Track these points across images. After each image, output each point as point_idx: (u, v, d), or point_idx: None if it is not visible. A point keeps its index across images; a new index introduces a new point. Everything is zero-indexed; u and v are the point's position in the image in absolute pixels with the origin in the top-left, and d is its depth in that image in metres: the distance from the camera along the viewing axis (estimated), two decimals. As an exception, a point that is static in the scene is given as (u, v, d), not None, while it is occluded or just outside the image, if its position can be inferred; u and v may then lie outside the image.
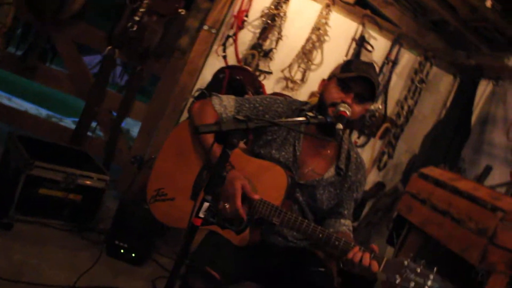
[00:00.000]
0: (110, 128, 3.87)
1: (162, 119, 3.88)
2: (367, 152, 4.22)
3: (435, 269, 1.74)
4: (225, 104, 2.19)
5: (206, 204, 1.64)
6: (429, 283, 1.70)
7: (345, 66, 2.12)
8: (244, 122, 1.64)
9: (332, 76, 2.14)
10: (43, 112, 6.34)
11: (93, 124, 3.85)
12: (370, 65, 2.16)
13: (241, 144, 2.30)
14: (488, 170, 3.57)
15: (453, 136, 3.81)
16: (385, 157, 4.24)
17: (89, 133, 3.85)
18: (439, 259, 3.55)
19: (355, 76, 2.04)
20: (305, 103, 2.27)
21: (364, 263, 1.80)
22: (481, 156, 3.78)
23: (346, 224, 2.20)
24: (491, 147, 3.74)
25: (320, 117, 1.94)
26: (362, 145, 4.21)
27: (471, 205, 2.97)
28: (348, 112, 2.01)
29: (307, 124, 1.89)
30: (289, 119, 1.86)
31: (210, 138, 1.62)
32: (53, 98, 6.87)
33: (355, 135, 4.17)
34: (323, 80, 2.20)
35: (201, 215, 1.64)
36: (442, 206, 3.16)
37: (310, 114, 1.91)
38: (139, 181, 3.54)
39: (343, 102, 2.04)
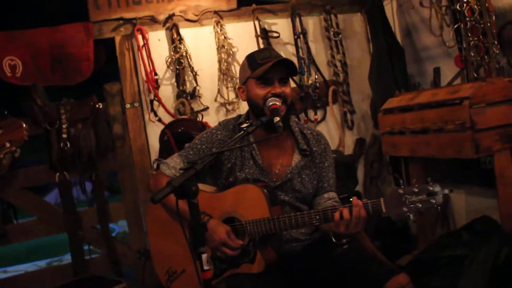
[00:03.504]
0: (103, 241, 3.87)
1: (141, 206, 3.91)
2: (331, 121, 4.28)
3: (428, 179, 1.82)
4: (173, 165, 2.29)
5: (204, 256, 1.67)
6: (431, 193, 1.78)
7: (252, 64, 2.20)
8: (191, 168, 1.68)
9: (246, 80, 2.21)
10: (42, 264, 6.29)
11: (86, 248, 3.84)
12: (268, 48, 2.25)
13: (211, 188, 2.35)
14: (437, 72, 3.66)
15: (391, 61, 3.88)
16: (349, 115, 4.30)
17: (87, 257, 3.83)
18: (449, 169, 3.63)
19: (268, 67, 2.11)
20: (238, 117, 2.36)
21: (346, 216, 1.89)
22: (425, 63, 3.88)
23: (330, 197, 2.26)
24: (427, 51, 3.83)
25: (255, 122, 2.00)
26: (323, 118, 4.26)
27: (439, 110, 3.06)
28: (278, 103, 2.08)
29: (248, 135, 1.94)
30: (231, 140, 1.91)
31: (173, 200, 1.65)
32: (41, 246, 6.82)
33: (311, 113, 4.22)
34: (240, 88, 2.28)
35: (206, 267, 1.67)
36: (418, 126, 3.23)
37: (245, 125, 1.97)
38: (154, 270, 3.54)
39: (272, 96, 2.11)
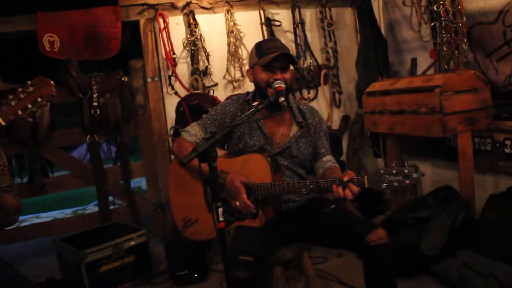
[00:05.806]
0: (125, 194, 4.04)
1: (158, 166, 4.06)
2: (322, 100, 4.40)
3: (406, 163, 1.92)
4: (193, 133, 2.40)
5: (220, 210, 1.80)
6: (406, 175, 1.88)
7: (259, 52, 2.30)
8: (211, 137, 1.80)
9: (253, 65, 2.32)
10: (69, 212, 6.45)
11: (111, 198, 4.00)
12: (273, 39, 2.35)
13: (221, 152, 2.48)
14: (414, 62, 3.75)
15: (375, 51, 3.98)
16: (337, 96, 4.43)
17: (111, 207, 4.00)
18: (420, 144, 3.77)
19: (271, 58, 2.23)
20: (247, 93, 2.47)
21: (340, 195, 1.96)
22: (404, 54, 3.98)
23: (328, 160, 2.37)
24: (407, 43, 3.93)
25: (264, 101, 2.11)
26: (315, 97, 4.38)
27: (414, 95, 3.16)
28: (282, 85, 2.20)
29: (258, 111, 2.06)
30: (244, 115, 2.03)
31: (195, 162, 1.78)
32: (70, 197, 6.97)
33: (305, 92, 4.34)
34: (248, 71, 2.39)
35: (221, 218, 1.81)
36: (395, 107, 3.34)
37: (256, 103, 2.09)
38: (168, 220, 3.70)
39: (275, 80, 2.23)
